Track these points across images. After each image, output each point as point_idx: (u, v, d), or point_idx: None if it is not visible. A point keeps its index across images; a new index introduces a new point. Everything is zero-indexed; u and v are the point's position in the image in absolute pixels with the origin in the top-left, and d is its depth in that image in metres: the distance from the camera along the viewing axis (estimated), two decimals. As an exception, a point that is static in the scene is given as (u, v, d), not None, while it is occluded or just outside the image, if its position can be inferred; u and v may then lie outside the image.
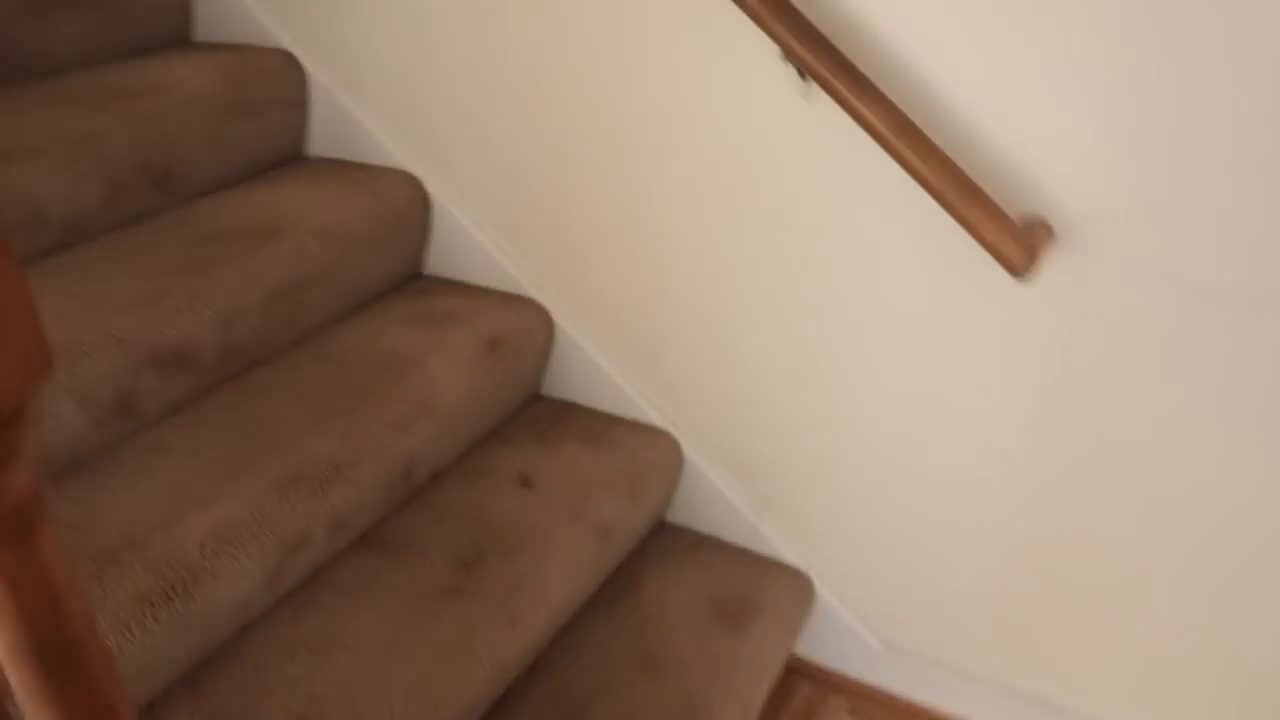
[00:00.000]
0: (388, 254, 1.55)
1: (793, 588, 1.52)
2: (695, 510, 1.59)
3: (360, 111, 1.57)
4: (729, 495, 1.55)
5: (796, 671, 1.59)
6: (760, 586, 1.51)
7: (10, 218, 1.25)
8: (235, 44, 1.62)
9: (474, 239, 1.56)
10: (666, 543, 1.59)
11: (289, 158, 1.63)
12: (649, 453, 1.53)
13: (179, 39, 1.65)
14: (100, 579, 1.02)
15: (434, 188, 1.57)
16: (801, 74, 1.11)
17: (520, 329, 1.53)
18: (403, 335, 1.47)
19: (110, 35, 1.53)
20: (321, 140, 1.63)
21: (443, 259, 1.62)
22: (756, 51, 1.19)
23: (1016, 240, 1.05)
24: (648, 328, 1.49)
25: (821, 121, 1.19)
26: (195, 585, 1.07)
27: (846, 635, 1.53)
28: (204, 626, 1.10)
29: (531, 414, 1.60)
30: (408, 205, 1.56)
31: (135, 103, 1.38)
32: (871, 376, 1.35)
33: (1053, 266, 1.14)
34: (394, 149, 1.57)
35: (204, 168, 1.48)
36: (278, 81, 1.55)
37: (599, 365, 1.56)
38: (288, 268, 1.37)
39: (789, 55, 1.09)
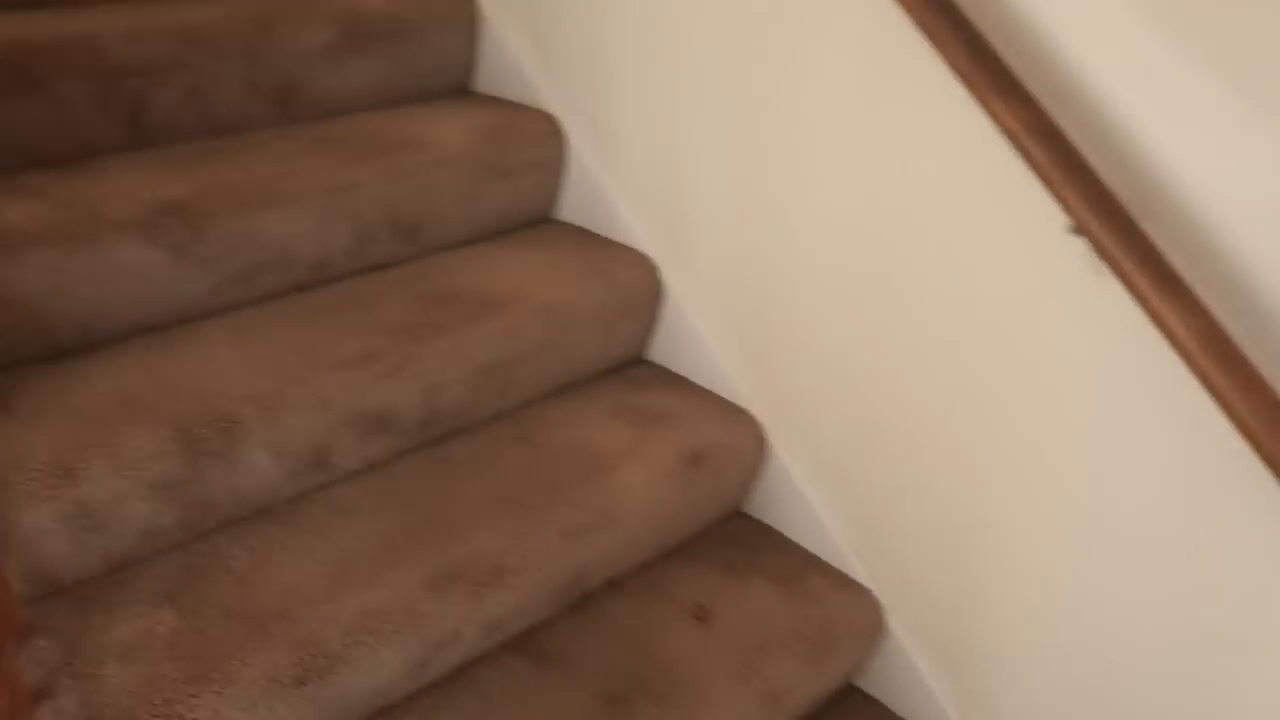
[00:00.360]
0: (609, 337, 1.48)
1: (984, 813, 1.29)
2: (888, 684, 1.39)
3: (612, 187, 1.51)
4: (929, 682, 1.34)
5: None
6: (945, 801, 1.29)
7: (262, 258, 1.31)
8: (508, 100, 1.62)
9: (701, 339, 1.46)
10: (848, 715, 1.40)
11: (537, 220, 1.61)
12: (845, 613, 1.36)
13: (460, 88, 1.67)
14: (243, 648, 1.02)
15: (670, 276, 1.48)
16: (1091, 250, 0.89)
17: (729, 446, 1.40)
18: (606, 429, 1.39)
19: (395, 82, 1.57)
20: (571, 206, 1.60)
21: (667, 349, 1.53)
22: (1042, 213, 0.98)
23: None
24: (871, 478, 1.31)
25: (1111, 307, 0.96)
26: (330, 674, 1.04)
27: None
28: (333, 713, 1.08)
29: (727, 533, 1.47)
30: (639, 290, 1.48)
31: (395, 157, 1.40)
32: (1130, 606, 1.10)
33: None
34: (638, 229, 1.50)
35: (451, 224, 1.49)
36: (537, 146, 1.53)
37: (809, 501, 1.40)
38: (502, 345, 1.34)
39: (1080, 230, 0.88)
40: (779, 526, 1.46)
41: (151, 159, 1.33)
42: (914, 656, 1.35)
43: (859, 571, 1.38)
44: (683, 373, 1.52)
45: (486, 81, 1.66)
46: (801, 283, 1.30)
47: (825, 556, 1.41)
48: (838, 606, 1.36)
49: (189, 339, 1.24)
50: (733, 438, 1.41)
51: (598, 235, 1.57)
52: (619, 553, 1.31)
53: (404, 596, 1.11)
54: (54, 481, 1.01)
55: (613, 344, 1.50)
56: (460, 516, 1.23)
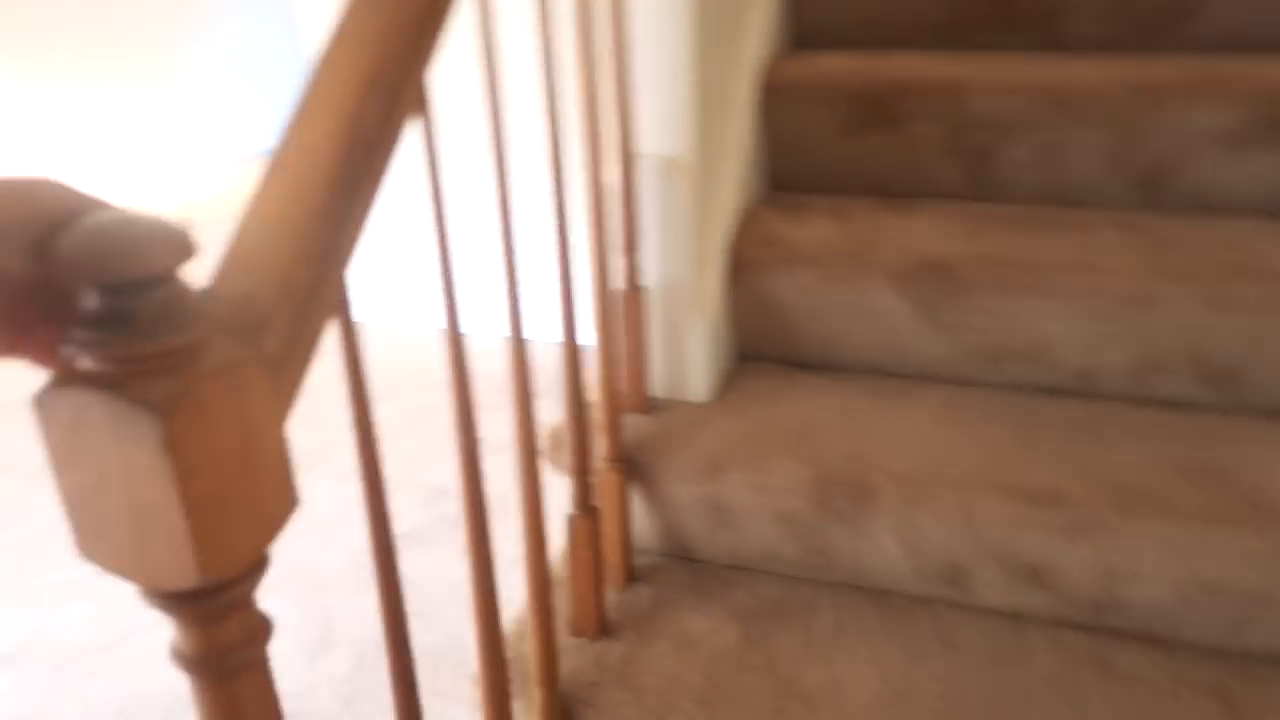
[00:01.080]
0: None
1: None
2: None
3: None
4: None
5: None
6: None
7: (1013, 345, 1.17)
8: None
9: None
10: None
11: None
12: None
13: None
14: (744, 710, 0.99)
15: None
16: None
17: None
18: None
19: (1312, 191, 1.19)
20: None
21: None
22: None
23: None
24: None
25: None
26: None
27: None
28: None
29: None
30: None
31: (1230, 284, 1.08)
32: None
33: None
34: None
35: (1284, 388, 1.10)
36: None
37: None
38: (1248, 568, 0.96)
39: None
40: None
41: (966, 211, 1.28)
42: None
43: None
44: None
45: None
46: None
47: None
48: None
49: (902, 396, 1.20)
50: None
51: None
52: None
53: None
54: (703, 472, 1.11)
55: None
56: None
